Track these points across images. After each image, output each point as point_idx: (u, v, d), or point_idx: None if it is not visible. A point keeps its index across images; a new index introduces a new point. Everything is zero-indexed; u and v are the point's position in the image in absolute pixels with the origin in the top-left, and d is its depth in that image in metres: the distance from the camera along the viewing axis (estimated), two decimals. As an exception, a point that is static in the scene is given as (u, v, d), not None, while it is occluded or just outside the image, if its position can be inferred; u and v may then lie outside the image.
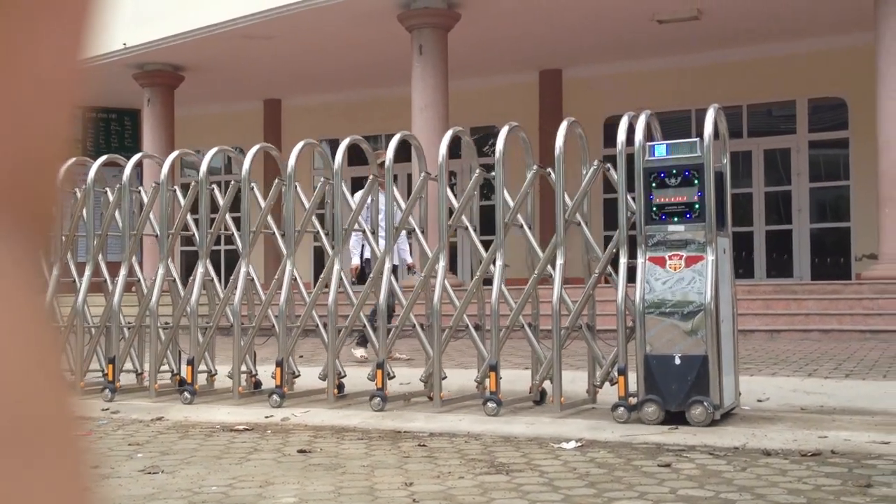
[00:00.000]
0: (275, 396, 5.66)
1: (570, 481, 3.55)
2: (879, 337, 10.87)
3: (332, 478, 3.70)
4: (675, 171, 4.93)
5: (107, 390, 6.26)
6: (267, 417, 5.30)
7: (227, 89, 19.12)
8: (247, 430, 4.97)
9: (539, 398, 5.50)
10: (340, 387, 5.93)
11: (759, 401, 5.37)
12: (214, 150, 6.65)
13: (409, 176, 12.71)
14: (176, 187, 6.86)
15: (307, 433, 4.84)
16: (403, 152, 7.70)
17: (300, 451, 4.28)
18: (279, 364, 5.82)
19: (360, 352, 8.53)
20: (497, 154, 5.52)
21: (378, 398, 5.40)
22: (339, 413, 5.38)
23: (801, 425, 4.59)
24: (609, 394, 5.13)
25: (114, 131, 19.65)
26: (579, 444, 4.33)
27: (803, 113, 16.78)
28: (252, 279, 6.30)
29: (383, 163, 6.31)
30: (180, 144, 14.29)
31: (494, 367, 5.25)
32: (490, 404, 5.13)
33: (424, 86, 14.24)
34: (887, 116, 12.28)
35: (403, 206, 6.16)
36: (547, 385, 5.38)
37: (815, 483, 3.44)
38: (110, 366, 6.40)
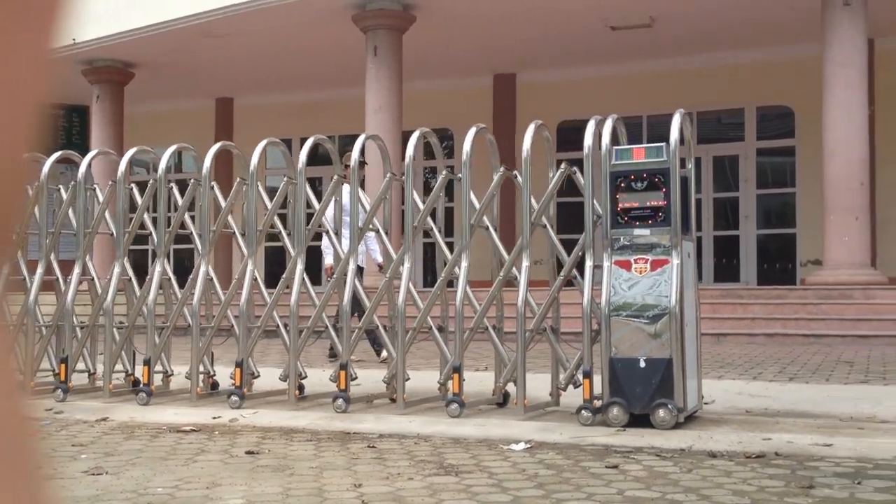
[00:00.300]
0: (234, 397, 5.61)
1: (518, 482, 3.57)
2: (823, 341, 11.08)
3: (281, 479, 3.68)
4: (640, 175, 4.97)
5: (59, 391, 6.16)
6: (215, 418, 5.25)
7: (179, 87, 18.92)
8: (194, 430, 4.91)
9: (503, 400, 5.52)
10: (301, 388, 5.89)
11: (706, 403, 5.44)
12: (173, 147, 6.57)
13: (363, 179, 12.64)
14: (133, 185, 6.77)
15: (255, 434, 4.80)
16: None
17: (248, 453, 4.24)
18: (239, 365, 5.77)
19: (382, 354, 8.37)
20: (464, 156, 5.53)
21: (341, 399, 5.37)
22: (288, 414, 5.35)
23: (745, 428, 4.67)
24: (572, 396, 5.17)
25: (61, 128, 19.32)
26: (528, 445, 4.35)
27: (751, 121, 17.06)
28: (211, 279, 6.24)
29: (347, 164, 6.30)
30: (130, 142, 14.08)
31: (458, 369, 5.25)
32: (453, 406, 5.12)
33: (379, 87, 14.22)
34: (833, 125, 12.54)
35: (367, 206, 6.15)
36: (510, 387, 5.39)
37: (759, 484, 3.50)
38: (62, 366, 6.30)
